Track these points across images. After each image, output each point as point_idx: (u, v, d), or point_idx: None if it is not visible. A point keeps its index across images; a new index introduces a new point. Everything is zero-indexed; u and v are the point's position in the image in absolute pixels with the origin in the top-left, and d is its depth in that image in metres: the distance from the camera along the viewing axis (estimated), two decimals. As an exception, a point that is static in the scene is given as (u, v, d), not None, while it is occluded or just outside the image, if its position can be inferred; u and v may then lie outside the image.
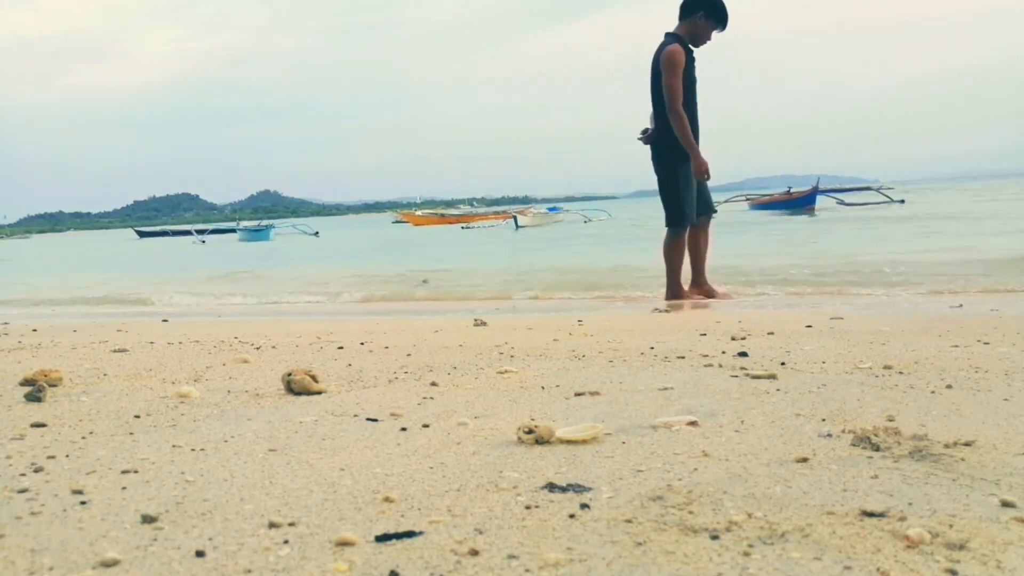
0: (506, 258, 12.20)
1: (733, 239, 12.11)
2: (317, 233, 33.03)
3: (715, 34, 5.11)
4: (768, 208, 26.52)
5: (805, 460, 1.40)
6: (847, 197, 28.72)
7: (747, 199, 31.33)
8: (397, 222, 47.52)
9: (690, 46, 5.08)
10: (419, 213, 48.61)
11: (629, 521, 1.13)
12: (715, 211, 5.37)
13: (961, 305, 4.36)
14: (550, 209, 34.25)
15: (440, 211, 50.50)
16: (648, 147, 5.23)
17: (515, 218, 28.62)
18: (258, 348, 3.24)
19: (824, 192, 28.12)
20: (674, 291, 5.22)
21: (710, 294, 5.28)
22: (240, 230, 37.47)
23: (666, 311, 4.69)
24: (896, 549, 1.01)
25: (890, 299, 5.10)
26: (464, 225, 32.65)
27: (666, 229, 5.19)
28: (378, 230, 35.66)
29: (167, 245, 33.28)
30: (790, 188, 28.60)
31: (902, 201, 24.70)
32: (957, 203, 22.45)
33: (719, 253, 6.28)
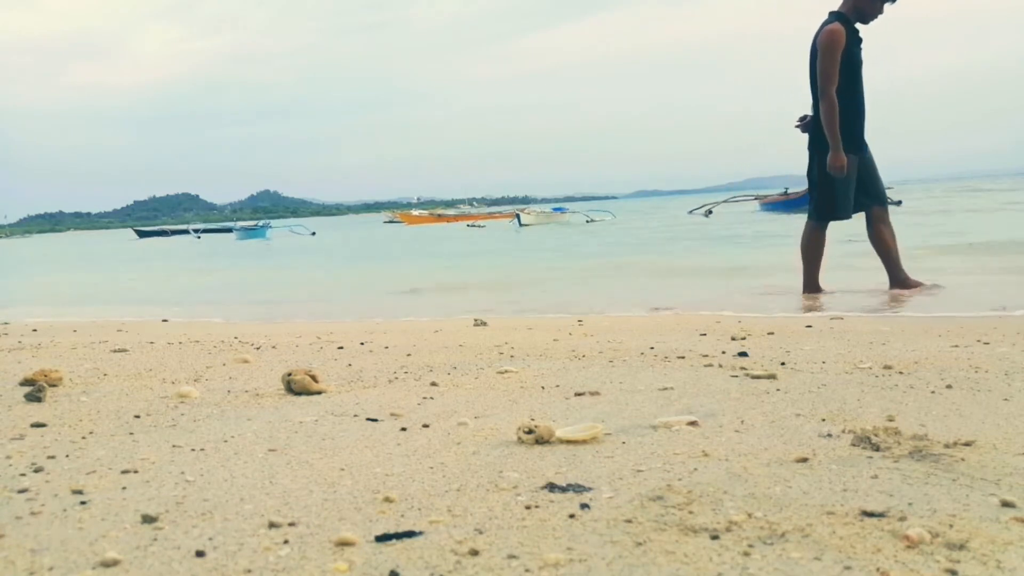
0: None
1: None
2: (314, 233, 33.13)
3: (887, 7, 4.66)
4: (773, 208, 26.55)
5: (805, 460, 1.40)
6: None
7: (756, 199, 31.18)
8: (389, 222, 47.31)
9: (857, 25, 4.69)
10: (415, 212, 48.53)
11: (629, 521, 1.13)
12: (890, 201, 4.85)
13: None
14: (555, 209, 34.35)
15: (438, 211, 50.47)
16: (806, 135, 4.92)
17: (518, 216, 28.66)
18: (258, 348, 3.24)
19: None
20: (810, 285, 4.93)
21: (906, 285, 4.81)
22: (237, 229, 38.10)
23: (667, 310, 4.69)
24: (896, 549, 1.01)
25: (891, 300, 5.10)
26: (470, 223, 32.70)
27: (808, 220, 4.93)
28: (371, 231, 35.53)
29: (164, 245, 33.32)
30: (787, 189, 28.72)
31: (899, 202, 24.72)
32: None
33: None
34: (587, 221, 27.62)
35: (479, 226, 30.47)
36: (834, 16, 4.71)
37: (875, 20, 4.72)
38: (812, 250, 4.92)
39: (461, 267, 10.65)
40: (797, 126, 5.01)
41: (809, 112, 4.91)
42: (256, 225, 39.54)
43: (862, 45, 4.74)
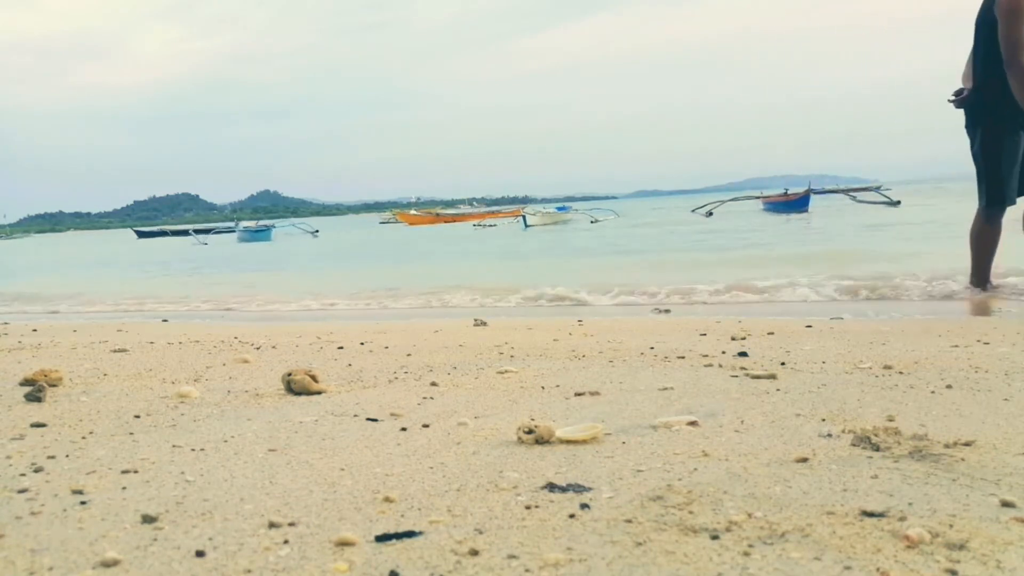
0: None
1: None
2: (316, 232, 33.15)
3: None
4: (774, 208, 26.69)
5: (805, 460, 1.40)
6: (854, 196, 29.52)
7: (761, 197, 31.27)
8: (385, 222, 47.21)
9: None
10: (413, 212, 48.63)
11: (629, 521, 1.13)
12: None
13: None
14: (559, 208, 34.41)
15: (437, 211, 50.46)
16: (961, 111, 4.46)
17: (524, 218, 28.77)
18: (258, 348, 3.24)
19: (829, 192, 29.67)
20: (980, 278, 4.47)
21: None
22: (240, 230, 37.29)
23: (666, 311, 4.68)
24: (896, 549, 1.01)
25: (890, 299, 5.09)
26: (476, 224, 32.72)
27: (977, 208, 4.45)
28: (369, 231, 35.41)
29: (164, 245, 33.22)
30: (787, 190, 28.95)
31: (898, 203, 24.79)
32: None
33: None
34: (592, 222, 27.69)
35: (490, 225, 30.39)
36: None
37: None
38: (982, 240, 4.44)
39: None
40: (951, 100, 4.52)
41: (960, 85, 4.47)
42: (259, 226, 38.94)
43: None
